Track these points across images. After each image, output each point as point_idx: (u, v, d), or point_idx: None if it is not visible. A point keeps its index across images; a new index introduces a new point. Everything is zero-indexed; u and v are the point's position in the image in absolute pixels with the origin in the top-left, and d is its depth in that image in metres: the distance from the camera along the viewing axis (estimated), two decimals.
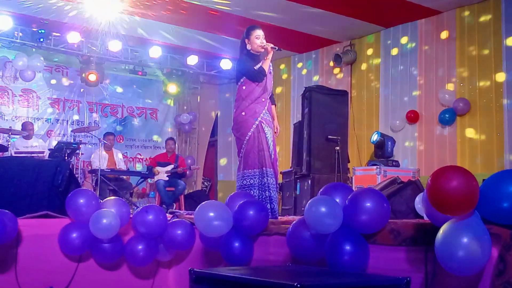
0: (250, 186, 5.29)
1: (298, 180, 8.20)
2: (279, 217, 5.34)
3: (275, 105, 5.82)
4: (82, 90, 11.38)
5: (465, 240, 2.71)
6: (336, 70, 10.42)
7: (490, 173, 3.11)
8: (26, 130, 9.38)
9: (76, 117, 11.45)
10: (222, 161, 12.72)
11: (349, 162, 8.41)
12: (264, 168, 5.29)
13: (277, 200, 5.37)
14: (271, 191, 5.28)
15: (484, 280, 2.93)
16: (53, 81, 11.24)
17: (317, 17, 9.16)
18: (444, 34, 8.76)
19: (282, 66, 11.43)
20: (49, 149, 8.67)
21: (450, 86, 8.61)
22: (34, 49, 10.28)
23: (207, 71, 12.16)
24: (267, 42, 5.47)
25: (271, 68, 5.61)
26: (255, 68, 5.36)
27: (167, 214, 5.04)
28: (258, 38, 5.43)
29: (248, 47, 5.45)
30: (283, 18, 9.23)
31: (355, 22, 9.36)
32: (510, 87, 7.83)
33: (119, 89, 12.08)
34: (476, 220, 2.79)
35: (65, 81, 11.39)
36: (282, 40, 10.13)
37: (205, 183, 12.89)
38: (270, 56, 5.41)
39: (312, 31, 9.96)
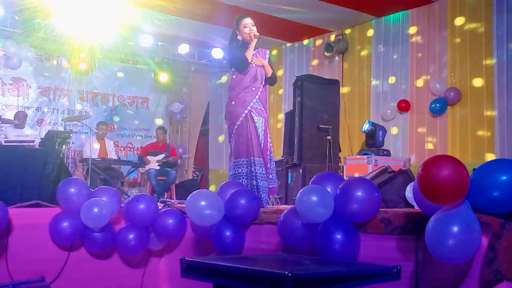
0: (239, 175, 5.31)
1: (289, 169, 8.20)
2: (268, 206, 5.35)
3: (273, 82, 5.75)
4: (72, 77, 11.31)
5: (455, 229, 2.72)
6: (328, 59, 10.41)
7: (481, 162, 3.13)
8: (18, 120, 9.33)
9: (67, 105, 11.39)
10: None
11: (340, 151, 8.42)
12: (252, 157, 5.29)
13: (266, 189, 5.35)
14: (258, 181, 5.28)
15: (474, 268, 2.95)
16: (43, 70, 11.17)
17: (308, 6, 9.14)
18: (435, 24, 8.76)
19: (273, 55, 11.41)
20: (39, 138, 8.62)
21: (441, 76, 8.63)
22: (24, 37, 10.19)
23: (198, 60, 12.12)
24: (256, 30, 5.48)
25: (268, 55, 5.62)
26: (238, 57, 5.40)
27: (158, 203, 5.04)
28: (246, 26, 5.46)
29: (239, 37, 5.48)
30: (275, 7, 9.19)
31: (346, 11, 9.34)
32: (501, 77, 7.85)
33: (110, 78, 12.03)
34: (466, 209, 2.81)
35: (56, 70, 11.32)
36: (273, 29, 10.15)
37: (197, 172, 12.88)
38: (252, 44, 5.42)
39: (304, 20, 9.93)
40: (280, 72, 11.24)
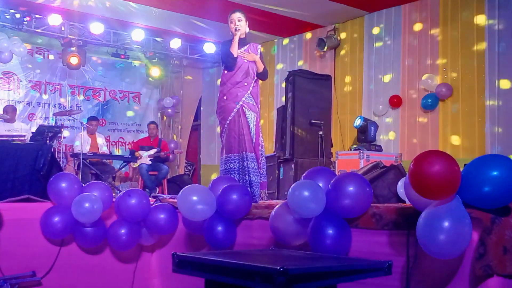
0: (231, 170, 5.32)
1: (281, 164, 8.20)
2: (260, 201, 5.35)
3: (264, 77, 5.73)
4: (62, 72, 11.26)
5: (446, 224, 2.73)
6: (320, 55, 10.40)
7: (472, 158, 3.13)
8: (8, 114, 9.27)
9: (58, 100, 11.34)
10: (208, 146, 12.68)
11: (332, 146, 8.43)
12: (244, 152, 5.30)
13: (258, 184, 5.36)
14: (251, 175, 5.29)
15: (464, 263, 2.96)
16: (35, 64, 11.11)
17: (300, 1, 9.13)
18: (427, 19, 8.76)
19: (265, 50, 11.38)
20: (30, 133, 8.58)
21: (433, 71, 8.64)
22: (15, 31, 10.12)
23: (190, 55, 12.08)
24: (249, 25, 5.50)
25: (259, 50, 5.62)
26: (225, 54, 5.43)
27: (150, 198, 5.03)
28: (231, 22, 5.48)
29: (230, 32, 5.50)
30: (267, 1, 9.18)
31: (338, 7, 9.33)
32: (492, 72, 7.87)
33: (101, 72, 11.99)
34: (457, 204, 2.82)
35: (47, 64, 11.26)
36: (265, 24, 10.13)
37: (188, 167, 12.87)
38: (235, 39, 5.43)
39: (296, 15, 9.92)
40: (272, 67, 11.22)
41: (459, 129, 8.24)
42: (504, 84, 7.76)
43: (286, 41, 11.15)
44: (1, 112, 9.42)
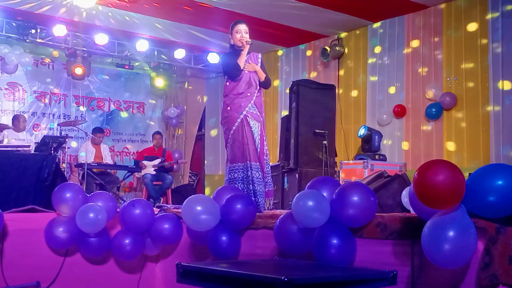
0: (235, 180, 5.31)
1: (285, 174, 8.20)
2: (265, 210, 5.34)
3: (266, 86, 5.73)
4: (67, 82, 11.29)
5: (451, 233, 2.73)
6: (324, 64, 10.41)
7: (476, 167, 3.13)
8: (20, 123, 9.31)
9: (62, 110, 11.37)
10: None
11: (336, 156, 8.42)
12: (248, 161, 5.30)
13: (262, 193, 5.35)
14: (255, 185, 5.28)
15: (470, 273, 2.95)
16: (39, 75, 11.15)
17: (304, 11, 9.15)
18: (431, 29, 8.78)
19: (270, 60, 11.41)
20: (35, 143, 8.60)
21: (436, 81, 8.64)
22: (20, 42, 10.18)
23: (194, 65, 12.12)
24: (250, 36, 5.50)
25: (260, 59, 5.63)
26: (230, 64, 5.43)
27: (154, 208, 5.03)
28: (238, 32, 5.48)
29: (232, 42, 5.53)
30: (271, 12, 9.21)
31: (342, 17, 9.36)
32: (496, 82, 7.86)
33: (106, 83, 12.03)
34: (462, 213, 2.81)
35: (51, 75, 11.31)
36: (269, 34, 10.15)
37: (193, 177, 12.87)
38: (244, 51, 5.44)
39: (300, 25, 9.94)
40: (276, 77, 11.23)
41: (463, 138, 8.23)
42: (509, 93, 7.75)
43: (290, 50, 11.17)
44: (10, 122, 9.45)
